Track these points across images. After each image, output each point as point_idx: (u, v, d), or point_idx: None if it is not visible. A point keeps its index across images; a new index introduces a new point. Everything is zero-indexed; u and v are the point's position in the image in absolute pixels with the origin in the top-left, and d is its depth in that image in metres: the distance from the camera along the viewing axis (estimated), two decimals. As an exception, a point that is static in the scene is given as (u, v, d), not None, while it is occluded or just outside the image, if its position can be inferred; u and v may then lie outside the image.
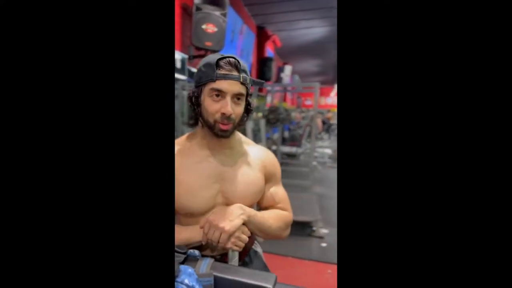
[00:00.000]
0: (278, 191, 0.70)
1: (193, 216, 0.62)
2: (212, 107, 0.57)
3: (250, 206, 0.64)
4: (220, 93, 0.56)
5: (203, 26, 2.43)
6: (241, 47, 4.29)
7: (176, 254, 0.54)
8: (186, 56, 2.50)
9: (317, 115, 2.92)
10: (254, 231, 0.64)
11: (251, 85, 0.60)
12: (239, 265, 0.63)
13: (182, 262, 0.54)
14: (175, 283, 0.50)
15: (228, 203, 0.62)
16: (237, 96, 0.57)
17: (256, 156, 0.67)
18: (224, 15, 2.53)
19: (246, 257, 0.68)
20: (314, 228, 2.28)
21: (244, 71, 0.57)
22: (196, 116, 0.61)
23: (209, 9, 2.44)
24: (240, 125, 0.61)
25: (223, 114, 0.56)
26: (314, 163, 2.85)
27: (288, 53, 7.12)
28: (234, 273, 0.53)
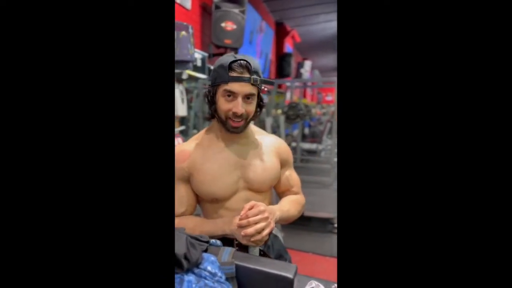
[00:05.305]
0: (292, 174, 0.78)
1: (217, 201, 0.68)
2: (224, 106, 0.62)
3: (268, 190, 0.74)
4: (232, 94, 0.61)
5: (222, 24, 2.45)
6: (260, 47, 4.27)
7: (199, 242, 0.56)
8: (206, 55, 2.54)
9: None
10: (279, 222, 0.70)
11: (262, 85, 0.65)
12: (263, 247, 0.69)
13: (205, 251, 0.56)
14: (199, 270, 0.52)
15: (249, 187, 0.70)
16: (247, 96, 0.62)
17: (270, 144, 0.73)
18: (243, 12, 2.54)
19: (268, 241, 0.73)
20: (335, 225, 2.25)
21: (256, 72, 0.62)
22: (213, 113, 0.68)
23: (228, 7, 2.47)
24: (252, 120, 0.68)
25: (234, 113, 0.62)
26: (335, 159, 2.79)
27: (308, 48, 6.99)
28: (256, 262, 0.54)
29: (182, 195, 0.69)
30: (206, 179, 0.67)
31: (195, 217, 0.71)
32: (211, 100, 0.66)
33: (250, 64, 0.61)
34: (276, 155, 0.73)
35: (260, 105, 0.68)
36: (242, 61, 0.61)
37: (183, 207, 0.69)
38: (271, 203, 0.79)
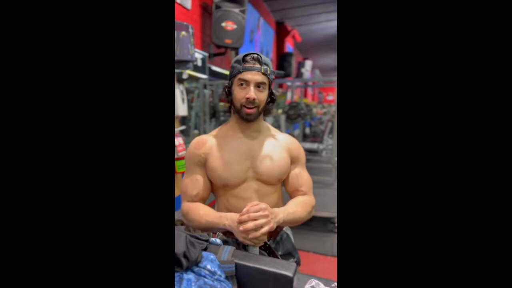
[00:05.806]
0: (302, 173, 0.80)
1: (228, 187, 0.75)
2: (239, 94, 0.71)
3: (277, 183, 0.77)
4: (245, 82, 0.70)
5: (223, 24, 2.45)
6: (260, 46, 4.27)
7: (199, 241, 0.56)
8: (206, 54, 2.54)
9: (338, 109, 2.84)
10: (287, 225, 0.74)
11: (273, 76, 0.74)
12: (271, 243, 0.72)
13: (205, 249, 0.56)
14: (198, 269, 0.52)
15: (258, 178, 0.74)
16: (259, 85, 0.70)
17: (282, 140, 0.79)
18: (243, 11, 2.54)
19: (278, 237, 0.77)
20: (336, 224, 2.25)
21: (266, 64, 0.71)
22: (230, 104, 0.76)
23: (228, 6, 2.47)
24: (265, 113, 0.76)
25: (247, 98, 0.69)
26: (336, 159, 2.79)
27: (309, 48, 6.99)
28: (255, 261, 0.54)
29: (196, 179, 0.75)
30: (219, 165, 0.73)
31: (206, 206, 0.75)
32: (228, 92, 0.74)
33: (261, 57, 0.70)
34: (286, 151, 0.77)
35: (272, 98, 0.75)
36: (254, 55, 0.71)
37: (195, 190, 0.75)
38: (281, 198, 0.81)
